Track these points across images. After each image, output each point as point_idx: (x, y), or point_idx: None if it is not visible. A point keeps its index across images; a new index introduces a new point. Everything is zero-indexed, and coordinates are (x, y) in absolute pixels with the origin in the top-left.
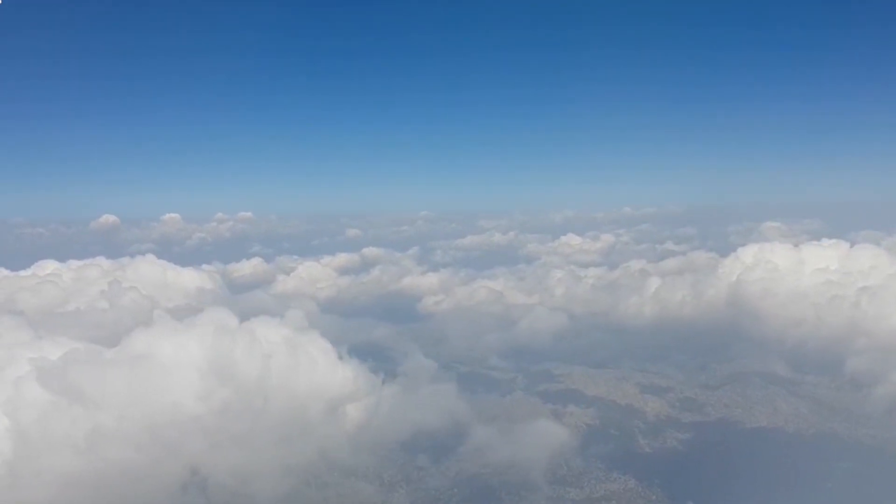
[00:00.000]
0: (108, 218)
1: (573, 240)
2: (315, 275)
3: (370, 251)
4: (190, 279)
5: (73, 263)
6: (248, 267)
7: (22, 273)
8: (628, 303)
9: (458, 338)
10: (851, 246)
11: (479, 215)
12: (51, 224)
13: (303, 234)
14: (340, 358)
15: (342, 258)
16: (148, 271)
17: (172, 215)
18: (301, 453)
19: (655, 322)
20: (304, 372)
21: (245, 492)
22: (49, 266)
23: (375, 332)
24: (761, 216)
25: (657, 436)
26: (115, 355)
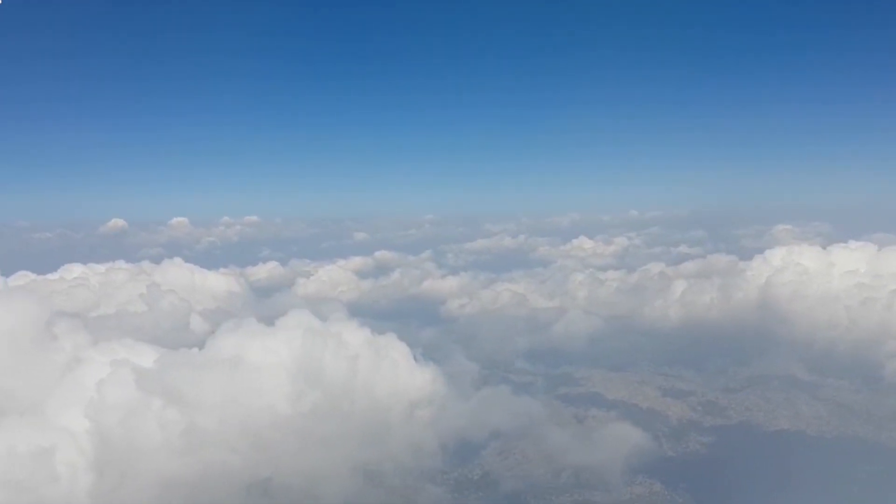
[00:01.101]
0: (117, 222)
1: (585, 243)
2: (335, 278)
3: (383, 254)
4: (217, 282)
5: (98, 267)
6: (263, 270)
7: (50, 276)
8: (653, 306)
9: (484, 341)
10: (879, 248)
11: (483, 218)
12: (57, 228)
13: (309, 237)
14: (416, 360)
15: (357, 261)
16: (177, 274)
17: (180, 219)
18: (371, 455)
19: (681, 325)
20: (386, 374)
21: (312, 493)
22: (75, 269)
23: (406, 335)
24: (768, 219)
25: (680, 439)
26: (205, 357)
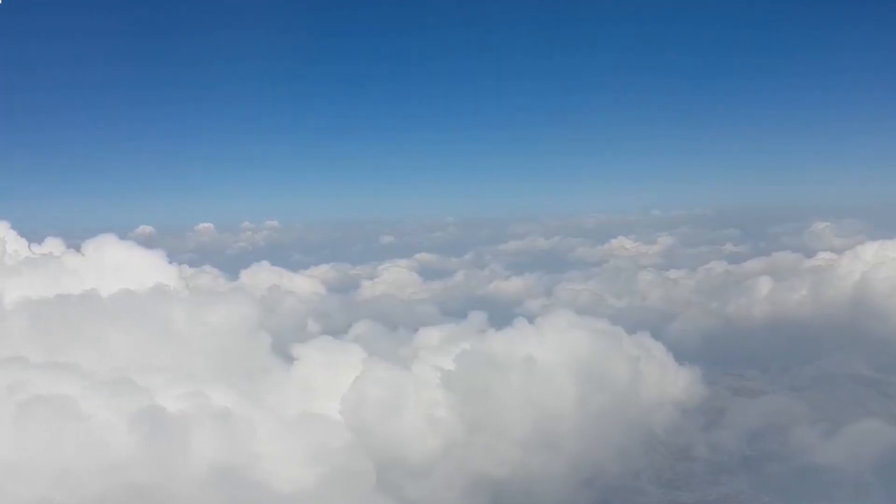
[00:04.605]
0: (145, 228)
1: (625, 243)
2: (400, 279)
3: (423, 257)
4: (303, 285)
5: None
6: (317, 273)
7: None
8: (738, 304)
9: None
10: None
11: (506, 220)
12: (86, 236)
13: (336, 241)
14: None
15: (403, 264)
16: (265, 279)
17: (206, 225)
18: (600, 454)
19: (767, 323)
20: (653, 374)
21: (529, 490)
22: None
23: None
24: (799, 217)
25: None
26: (494, 356)
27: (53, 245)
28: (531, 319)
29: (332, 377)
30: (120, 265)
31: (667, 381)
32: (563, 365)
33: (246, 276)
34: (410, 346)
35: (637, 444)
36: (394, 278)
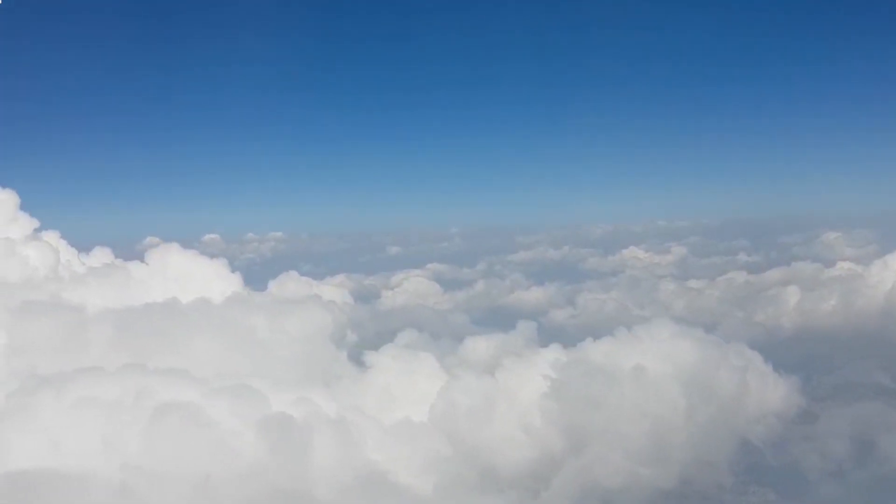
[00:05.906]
0: (153, 240)
1: (638, 253)
2: (420, 289)
3: (436, 267)
4: (330, 294)
5: None
6: (333, 283)
7: None
8: (766, 313)
9: None
10: None
11: (511, 230)
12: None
13: (342, 252)
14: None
15: (417, 273)
16: (294, 288)
17: (213, 236)
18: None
19: (799, 333)
20: (750, 384)
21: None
22: None
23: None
24: (808, 227)
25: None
26: (597, 363)
27: (103, 255)
28: (559, 329)
29: (410, 384)
30: (185, 274)
31: (767, 392)
32: (671, 375)
33: (274, 285)
34: (456, 356)
35: (740, 455)
36: (414, 288)
